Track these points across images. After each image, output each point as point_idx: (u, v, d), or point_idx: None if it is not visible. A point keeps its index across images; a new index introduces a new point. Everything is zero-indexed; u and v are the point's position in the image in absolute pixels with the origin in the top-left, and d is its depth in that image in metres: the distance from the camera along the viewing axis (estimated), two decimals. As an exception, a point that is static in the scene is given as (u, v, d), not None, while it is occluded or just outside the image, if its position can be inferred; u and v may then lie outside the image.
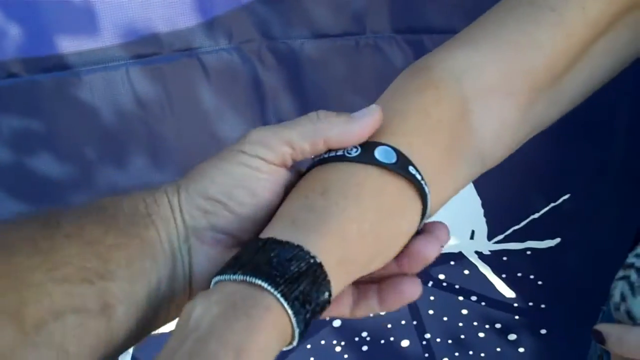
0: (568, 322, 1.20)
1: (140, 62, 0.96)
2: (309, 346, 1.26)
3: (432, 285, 1.22)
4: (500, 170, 1.15)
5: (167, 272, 0.43)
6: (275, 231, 0.40)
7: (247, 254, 0.38)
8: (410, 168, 0.43)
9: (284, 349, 0.38)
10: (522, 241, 1.15)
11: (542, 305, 1.21)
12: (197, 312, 0.36)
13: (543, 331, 1.23)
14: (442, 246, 0.44)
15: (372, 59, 0.97)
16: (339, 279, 0.40)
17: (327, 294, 0.38)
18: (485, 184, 1.12)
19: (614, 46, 0.52)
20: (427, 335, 1.29)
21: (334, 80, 1.01)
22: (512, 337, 1.25)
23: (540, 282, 1.19)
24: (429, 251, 0.43)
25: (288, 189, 0.45)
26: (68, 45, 0.92)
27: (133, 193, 0.46)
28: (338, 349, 1.27)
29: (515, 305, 1.23)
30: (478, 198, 1.12)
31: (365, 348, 1.29)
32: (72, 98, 0.94)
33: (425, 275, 1.22)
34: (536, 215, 1.13)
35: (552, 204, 1.11)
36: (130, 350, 1.15)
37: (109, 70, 0.95)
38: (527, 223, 1.13)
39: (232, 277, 0.37)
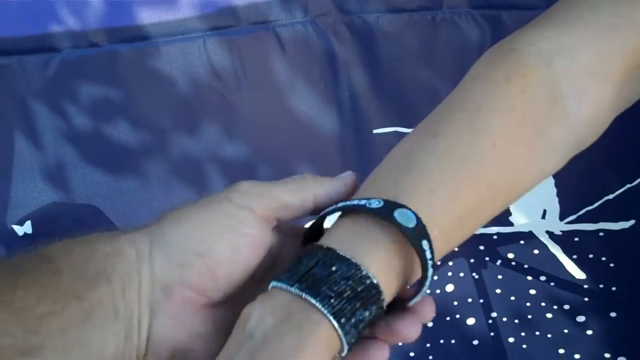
0: (638, 306, 1.20)
1: (217, 34, 1.00)
2: (372, 320, 1.29)
3: (500, 264, 1.24)
4: (575, 149, 1.15)
5: (116, 337, 0.39)
6: (340, 236, 0.41)
7: (306, 264, 0.39)
8: (424, 242, 0.41)
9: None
10: (595, 222, 1.16)
11: (613, 288, 1.21)
12: (252, 320, 0.38)
13: (613, 314, 1.23)
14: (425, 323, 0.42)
15: (447, 34, 0.98)
16: (396, 287, 0.42)
17: (377, 309, 0.39)
18: (560, 163, 1.12)
19: None
20: (494, 314, 1.30)
21: (408, 55, 1.03)
22: (581, 319, 1.25)
23: (612, 265, 1.19)
24: (409, 333, 0.41)
25: (271, 253, 0.44)
26: (147, 16, 0.96)
27: (92, 239, 0.42)
28: (402, 324, 1.29)
29: (585, 286, 1.23)
30: (551, 177, 1.12)
31: (430, 324, 1.31)
32: (150, 68, 0.99)
33: (493, 253, 1.24)
34: (610, 196, 1.13)
35: (628, 185, 1.11)
36: None
37: (186, 42, 0.99)
38: (601, 204, 1.13)
39: (289, 288, 0.38)
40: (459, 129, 0.45)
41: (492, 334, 1.31)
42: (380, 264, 0.39)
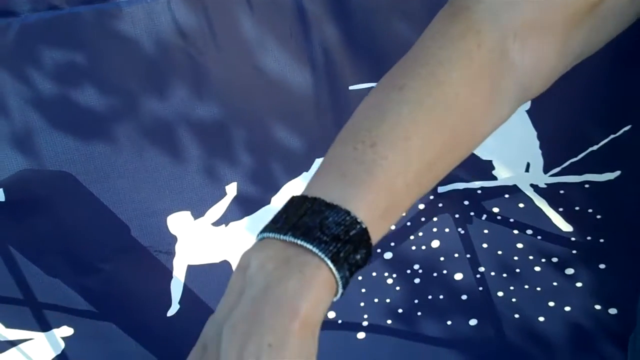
0: (627, 257, 1.21)
1: (182, -8, 0.98)
2: (360, 278, 1.32)
3: (486, 219, 1.25)
4: (557, 101, 1.16)
5: None
6: (324, 185, 0.44)
7: (295, 214, 0.42)
8: None
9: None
10: (580, 174, 1.17)
11: (601, 240, 1.23)
12: (252, 267, 0.41)
13: (602, 266, 1.25)
14: None
15: (421, -16, 0.97)
16: (380, 230, 0.46)
17: (366, 253, 0.43)
18: (542, 115, 1.13)
19: None
20: (481, 269, 1.32)
21: (381, 7, 1.02)
22: (570, 271, 1.28)
23: (599, 216, 1.21)
24: None
25: None
26: (108, -24, 0.95)
27: None
28: (390, 281, 1.32)
29: (573, 239, 1.25)
30: (533, 130, 1.13)
31: (417, 280, 1.34)
32: (114, 30, 0.99)
33: (478, 208, 1.25)
34: (595, 147, 1.14)
35: (612, 136, 1.11)
36: (182, 280, 1.22)
37: (150, 2, 0.98)
38: (586, 155, 1.14)
39: (283, 237, 0.41)
40: (424, 82, 0.49)
41: (480, 288, 1.33)
42: (368, 208, 0.43)
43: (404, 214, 0.49)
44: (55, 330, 1.27)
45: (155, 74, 1.03)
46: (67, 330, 1.28)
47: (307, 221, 0.42)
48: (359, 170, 0.45)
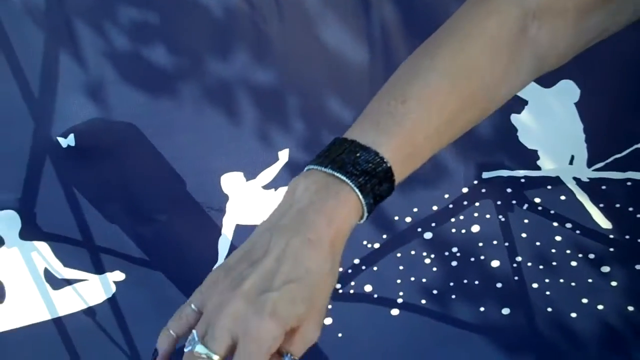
0: (664, 260, 1.23)
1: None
2: (399, 255, 1.36)
3: (527, 208, 1.29)
4: (605, 96, 1.18)
5: None
6: (361, 131, 0.54)
7: (335, 152, 0.53)
8: None
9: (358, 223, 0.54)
10: (624, 171, 1.19)
11: (639, 240, 1.23)
12: (299, 189, 0.51)
13: (638, 267, 1.26)
14: None
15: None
16: (402, 171, 0.56)
17: (390, 187, 0.54)
18: (589, 109, 1.16)
19: None
20: (519, 258, 1.36)
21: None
22: (605, 269, 1.30)
23: (639, 215, 1.22)
24: None
25: None
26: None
27: None
28: (427, 260, 1.36)
29: (611, 236, 1.27)
30: (580, 122, 1.16)
31: (454, 263, 1.37)
32: None
33: (520, 197, 1.28)
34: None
35: (658, 135, 1.13)
36: (230, 237, 1.28)
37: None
38: (630, 152, 1.17)
39: (324, 169, 0.51)
40: (451, 53, 0.59)
41: (516, 277, 1.36)
42: (393, 152, 0.53)
43: (423, 162, 0.58)
44: (108, 274, 1.36)
45: (220, 38, 1.10)
46: (119, 275, 1.37)
47: (344, 158, 0.52)
48: (390, 122, 0.55)
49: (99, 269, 1.36)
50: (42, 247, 1.32)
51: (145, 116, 1.17)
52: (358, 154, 0.52)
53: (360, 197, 0.51)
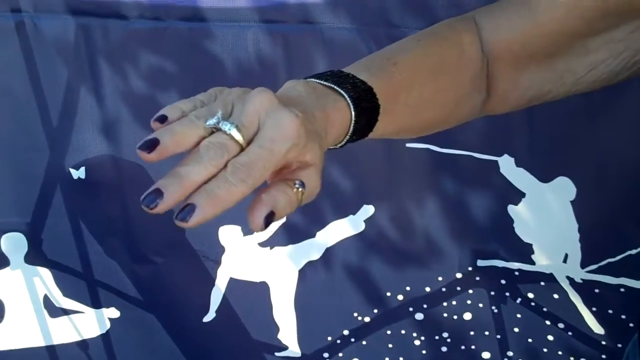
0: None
1: (267, 26, 1.12)
2: (389, 332, 1.37)
3: (520, 303, 1.29)
4: (601, 197, 1.18)
5: None
6: (355, 70, 0.59)
7: (332, 75, 0.57)
8: None
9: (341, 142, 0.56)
10: (617, 276, 1.19)
11: (630, 350, 1.21)
12: (300, 87, 0.53)
13: (630, 378, 1.23)
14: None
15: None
16: (378, 125, 0.59)
17: (373, 107, 0.58)
18: (585, 209, 1.17)
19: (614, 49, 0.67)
20: (510, 353, 1.35)
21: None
22: (597, 377, 1.26)
23: (631, 324, 1.20)
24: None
25: None
26: (207, 0, 1.09)
27: None
28: (417, 342, 1.37)
29: (604, 343, 1.25)
30: (575, 222, 1.17)
31: (444, 349, 1.37)
32: (203, 47, 1.14)
33: (514, 290, 1.28)
34: (633, 252, 1.16)
35: (652, 244, 1.12)
36: (223, 290, 1.29)
37: (238, 29, 1.13)
38: (623, 258, 1.17)
39: (324, 82, 0.56)
40: (432, 45, 0.67)
41: (506, 373, 1.34)
42: (379, 93, 0.58)
43: (393, 130, 0.63)
44: (104, 310, 1.41)
45: (231, 93, 1.16)
46: (114, 312, 1.41)
47: (340, 79, 0.56)
48: (381, 73, 0.60)
49: (96, 303, 1.41)
50: (45, 273, 1.38)
51: (153, 159, 1.22)
52: (351, 79, 0.56)
53: (351, 106, 0.54)
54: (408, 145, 1.20)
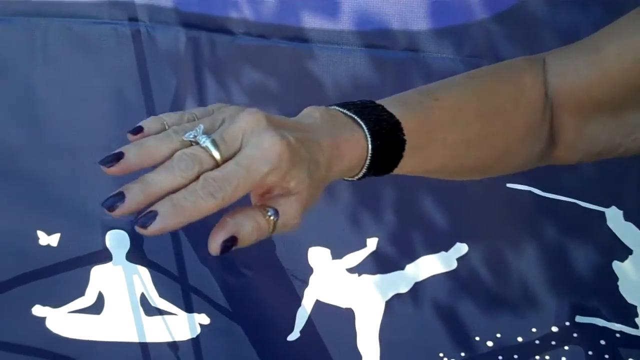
0: None
1: (370, 51, 1.10)
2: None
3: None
4: None
5: None
6: (388, 104, 0.56)
7: (360, 105, 0.55)
8: None
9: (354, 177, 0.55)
10: None
11: None
12: (320, 113, 0.52)
13: None
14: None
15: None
16: (411, 155, 0.56)
17: (399, 147, 0.54)
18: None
19: None
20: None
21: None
22: None
23: None
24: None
25: None
26: (311, 21, 1.10)
27: None
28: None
29: None
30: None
31: (535, 404, 1.29)
32: (304, 66, 1.14)
33: (614, 353, 1.23)
34: None
35: None
36: (308, 311, 1.29)
37: (340, 51, 1.11)
38: None
39: (346, 111, 0.53)
40: (488, 83, 0.63)
41: None
42: (410, 130, 0.55)
43: (427, 169, 0.60)
44: (196, 315, 1.43)
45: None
46: (205, 319, 1.43)
47: (364, 109, 0.54)
48: (418, 108, 0.57)
49: (189, 308, 1.44)
50: (144, 272, 1.43)
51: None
52: (379, 113, 0.54)
53: (369, 138, 0.52)
54: (509, 185, 1.15)
